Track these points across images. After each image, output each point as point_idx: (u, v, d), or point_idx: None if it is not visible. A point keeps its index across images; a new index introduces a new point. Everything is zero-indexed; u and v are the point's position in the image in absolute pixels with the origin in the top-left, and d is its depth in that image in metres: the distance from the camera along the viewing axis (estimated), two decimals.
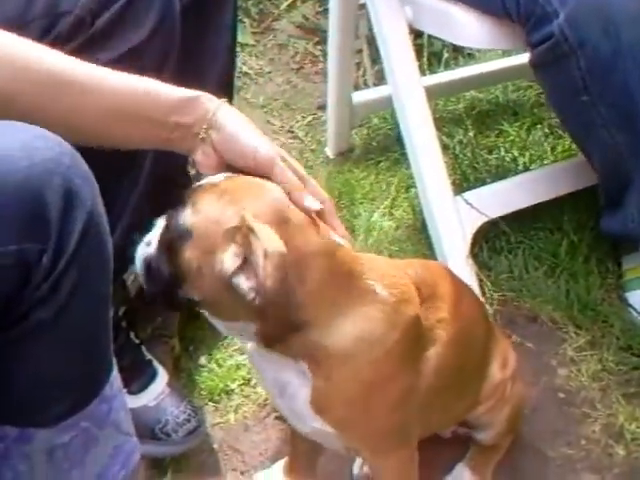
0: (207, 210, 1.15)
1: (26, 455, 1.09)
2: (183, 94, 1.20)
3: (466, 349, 1.40)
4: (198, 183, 1.20)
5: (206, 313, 1.22)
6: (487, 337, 1.50)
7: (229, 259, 1.11)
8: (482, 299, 1.89)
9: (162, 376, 1.71)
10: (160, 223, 1.21)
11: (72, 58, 1.16)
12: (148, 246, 1.21)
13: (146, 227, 1.23)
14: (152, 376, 1.70)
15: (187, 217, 1.15)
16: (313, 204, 1.18)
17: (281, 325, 1.14)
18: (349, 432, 1.27)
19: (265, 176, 1.18)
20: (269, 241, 1.10)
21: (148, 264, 1.20)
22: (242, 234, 1.11)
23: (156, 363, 1.73)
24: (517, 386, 1.55)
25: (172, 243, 1.16)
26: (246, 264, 1.11)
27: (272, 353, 1.23)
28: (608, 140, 1.73)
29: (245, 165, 1.19)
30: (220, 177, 1.19)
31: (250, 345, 1.31)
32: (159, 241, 1.20)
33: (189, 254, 1.14)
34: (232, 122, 1.20)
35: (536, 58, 1.73)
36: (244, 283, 1.11)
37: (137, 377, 1.67)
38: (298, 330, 1.17)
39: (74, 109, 1.13)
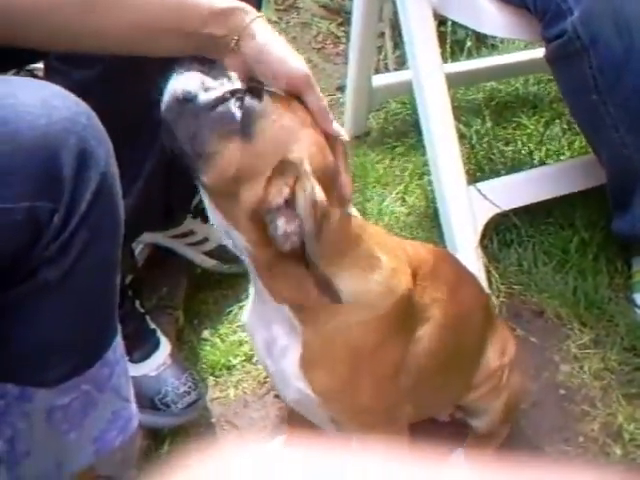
0: (276, 130, 1.12)
1: (26, 413, 1.09)
2: (222, 4, 1.15)
3: (459, 334, 1.39)
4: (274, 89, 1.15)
5: (208, 198, 1.18)
6: (485, 325, 1.49)
7: (275, 194, 1.10)
8: (489, 290, 1.89)
9: (165, 347, 1.71)
10: (227, 80, 1.15)
11: None
12: (203, 89, 1.14)
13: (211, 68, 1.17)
14: (155, 346, 1.70)
15: (258, 120, 1.11)
16: (341, 131, 1.16)
17: (286, 261, 1.14)
18: (330, 400, 1.26)
19: (295, 94, 1.15)
20: (318, 193, 1.10)
21: (186, 102, 1.14)
22: (293, 174, 1.10)
23: (160, 333, 1.73)
24: (515, 376, 1.54)
25: (225, 124, 1.12)
26: (287, 207, 1.10)
27: (260, 291, 1.23)
28: (616, 140, 1.73)
29: (275, 79, 1.15)
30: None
31: (251, 296, 1.30)
32: (215, 99, 1.13)
33: (235, 155, 1.12)
34: (264, 34, 1.16)
35: (550, 53, 1.73)
36: (282, 226, 1.10)
37: (140, 346, 1.67)
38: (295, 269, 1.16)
39: (108, 18, 1.11)
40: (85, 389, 1.11)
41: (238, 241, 1.18)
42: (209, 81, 1.14)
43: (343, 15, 2.75)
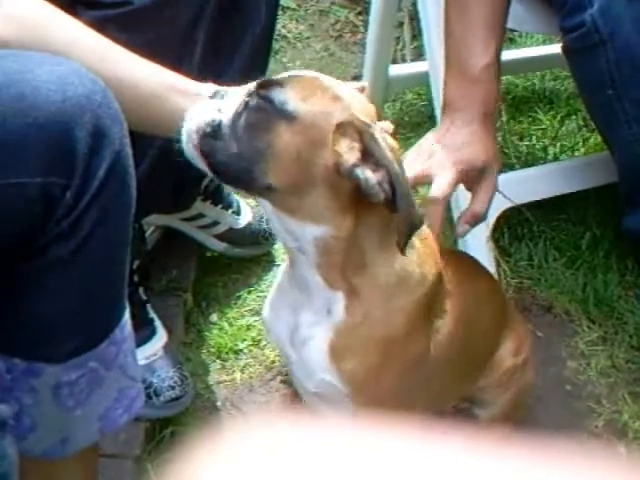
0: (313, 100, 1.12)
1: (33, 389, 1.10)
2: (197, 87, 1.19)
3: (473, 327, 1.39)
4: (292, 73, 1.18)
5: (272, 206, 1.16)
6: (499, 322, 1.49)
7: (347, 152, 1.09)
8: None
9: (160, 338, 1.70)
10: (235, 94, 1.16)
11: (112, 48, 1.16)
12: (219, 112, 1.14)
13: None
14: (150, 335, 1.69)
15: (290, 99, 1.11)
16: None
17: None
18: (357, 390, 1.25)
19: None
20: (387, 137, 1.12)
21: (214, 131, 1.13)
22: (355, 129, 1.10)
23: (158, 324, 1.72)
24: (526, 375, 1.54)
25: (262, 120, 1.12)
26: (364, 158, 1.09)
27: (306, 281, 1.22)
28: (630, 137, 1.71)
29: None
30: (312, 73, 1.18)
31: (282, 272, 1.30)
32: (237, 112, 1.13)
33: (289, 138, 1.11)
34: None
35: (567, 45, 1.72)
36: (371, 176, 1.09)
37: (134, 332, 1.66)
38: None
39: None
40: (92, 366, 1.11)
41: (309, 235, 1.16)
42: (219, 103, 1.15)
43: (362, 4, 2.74)
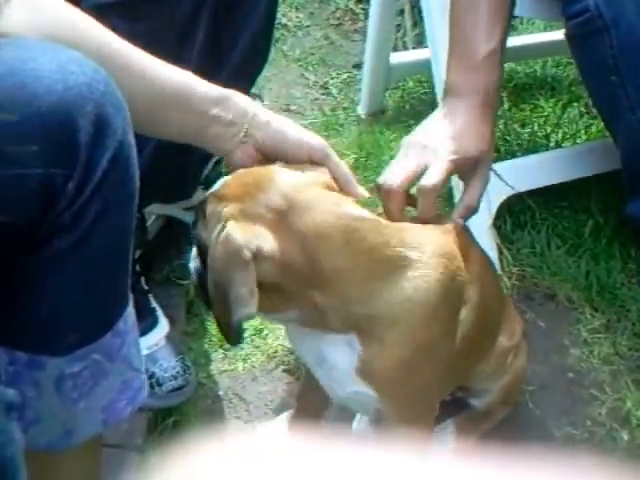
0: (210, 225, 1.19)
1: (36, 382, 1.09)
2: (220, 91, 1.20)
3: (487, 313, 1.40)
4: (209, 192, 1.26)
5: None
6: (501, 304, 1.50)
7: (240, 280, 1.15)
8: (501, 272, 1.88)
9: (162, 328, 1.70)
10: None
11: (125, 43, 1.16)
12: (195, 259, 1.26)
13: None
14: (151, 325, 1.68)
15: (201, 233, 1.21)
16: (364, 194, 1.26)
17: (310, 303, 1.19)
18: (391, 395, 1.28)
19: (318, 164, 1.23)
20: (253, 241, 1.15)
21: (199, 276, 1.25)
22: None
23: (160, 314, 1.72)
24: (519, 359, 1.55)
25: (201, 266, 1.23)
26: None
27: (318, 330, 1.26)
28: (634, 123, 1.70)
29: (295, 157, 1.22)
30: (221, 182, 1.24)
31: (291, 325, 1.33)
32: (198, 255, 1.24)
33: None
34: (276, 119, 1.23)
35: (570, 31, 1.71)
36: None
37: (137, 323, 1.66)
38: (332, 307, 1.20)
39: (128, 92, 1.10)
40: (96, 358, 1.11)
41: (287, 317, 1.25)
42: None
43: None
